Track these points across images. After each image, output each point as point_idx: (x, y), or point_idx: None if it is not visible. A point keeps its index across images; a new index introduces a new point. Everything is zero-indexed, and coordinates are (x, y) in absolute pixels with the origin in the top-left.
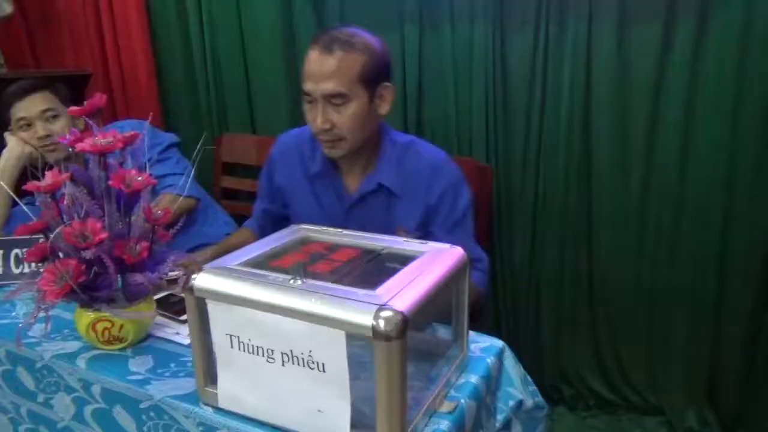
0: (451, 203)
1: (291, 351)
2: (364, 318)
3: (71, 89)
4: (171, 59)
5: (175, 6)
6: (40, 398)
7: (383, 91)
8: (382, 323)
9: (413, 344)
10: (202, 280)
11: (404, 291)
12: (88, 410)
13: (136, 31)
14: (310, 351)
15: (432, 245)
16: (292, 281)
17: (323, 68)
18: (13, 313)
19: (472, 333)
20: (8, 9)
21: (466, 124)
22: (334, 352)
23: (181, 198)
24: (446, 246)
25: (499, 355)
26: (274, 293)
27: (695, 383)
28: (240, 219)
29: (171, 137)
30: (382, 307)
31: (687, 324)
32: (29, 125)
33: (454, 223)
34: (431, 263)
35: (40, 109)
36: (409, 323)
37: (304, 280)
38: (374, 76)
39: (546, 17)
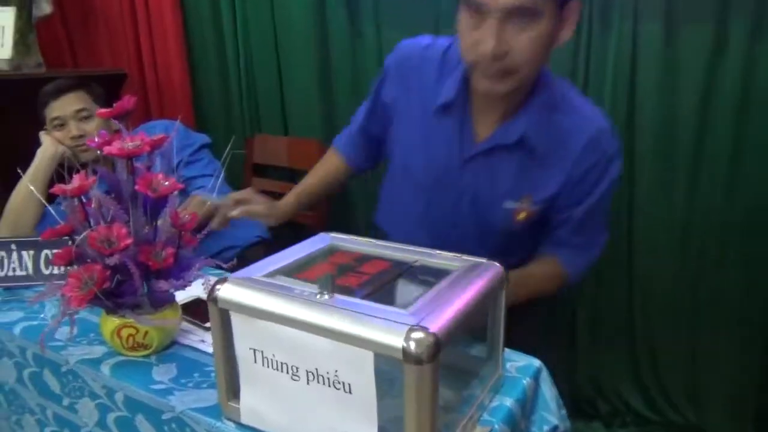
0: (593, 182)
1: (316, 369)
2: (394, 339)
3: (107, 89)
4: (205, 60)
5: (209, 6)
6: (65, 402)
7: (571, 11)
8: (413, 345)
9: (445, 363)
10: (226, 291)
11: (437, 310)
12: (110, 417)
13: (170, 31)
14: (336, 370)
15: (467, 259)
16: (319, 296)
17: None
18: (42, 315)
19: (507, 351)
20: (48, 9)
21: None
22: (362, 373)
23: (210, 200)
24: (483, 260)
25: (536, 376)
26: (299, 308)
27: (739, 403)
28: None
29: (203, 138)
30: (413, 328)
31: (733, 342)
32: (63, 125)
33: (586, 208)
34: (466, 279)
35: (74, 109)
36: (441, 346)
37: (332, 295)
38: None
39: (589, 16)
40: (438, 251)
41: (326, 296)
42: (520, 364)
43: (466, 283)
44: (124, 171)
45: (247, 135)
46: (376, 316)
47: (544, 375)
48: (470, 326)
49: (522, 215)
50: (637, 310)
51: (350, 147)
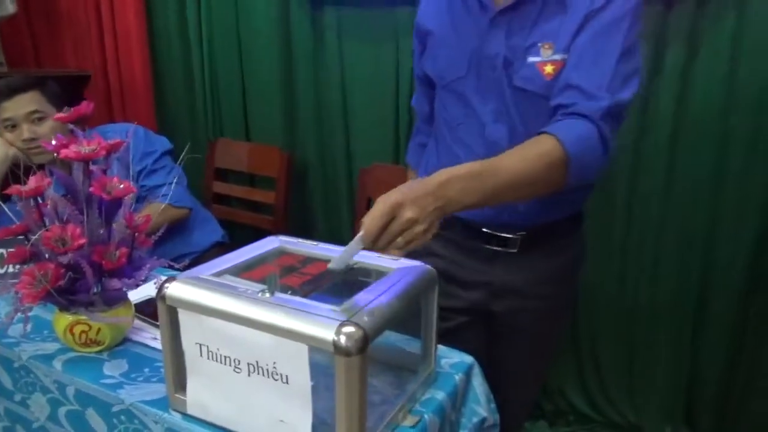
0: (607, 4)
1: (257, 362)
2: (326, 333)
3: (71, 90)
4: (169, 64)
5: (175, 11)
6: (17, 398)
7: None
8: (343, 339)
9: (381, 357)
10: (175, 289)
11: (367, 308)
12: (62, 411)
13: (134, 33)
14: (275, 363)
15: (402, 262)
16: (261, 294)
17: None
18: None
19: (443, 348)
20: (12, 9)
21: None
22: (297, 365)
23: (172, 207)
24: (416, 263)
25: (468, 372)
26: (243, 305)
27: (673, 402)
28: (230, 224)
29: (163, 144)
30: (344, 323)
31: (667, 344)
32: (15, 126)
33: (600, 26)
34: (399, 280)
35: (27, 111)
36: (370, 340)
37: (273, 294)
38: None
39: None
40: (377, 255)
41: (267, 294)
42: (453, 360)
43: (397, 283)
44: (80, 174)
45: (209, 138)
46: (311, 313)
47: (476, 371)
48: (404, 324)
49: (549, 68)
50: (581, 315)
51: (418, 151)
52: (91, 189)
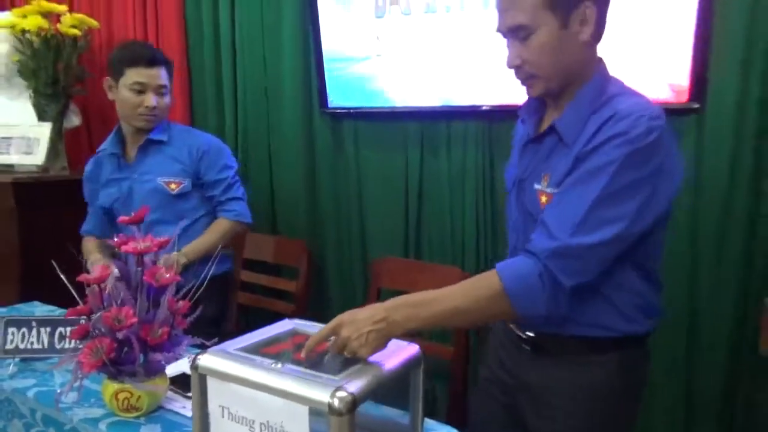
0: (596, 148)
1: (267, 421)
2: (322, 396)
3: None
4: None
5: (214, 125)
6: None
7: (583, 13)
8: (336, 401)
9: (376, 428)
10: (205, 360)
11: (358, 378)
12: None
13: None
14: (282, 422)
15: (396, 343)
16: (273, 365)
17: (505, 2)
18: (51, 383)
19: (432, 422)
20: (77, 122)
21: (459, 234)
22: (300, 423)
23: (240, 223)
24: (404, 343)
25: None
26: (258, 373)
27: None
28: (254, 309)
29: (235, 162)
30: (337, 389)
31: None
32: (142, 92)
33: (585, 169)
34: (388, 357)
35: (159, 83)
36: (358, 402)
37: (284, 365)
38: None
39: None
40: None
41: (279, 365)
42: None
43: (386, 360)
44: (134, 264)
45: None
46: (311, 380)
47: None
48: (396, 398)
49: (543, 198)
50: None
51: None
52: (144, 277)
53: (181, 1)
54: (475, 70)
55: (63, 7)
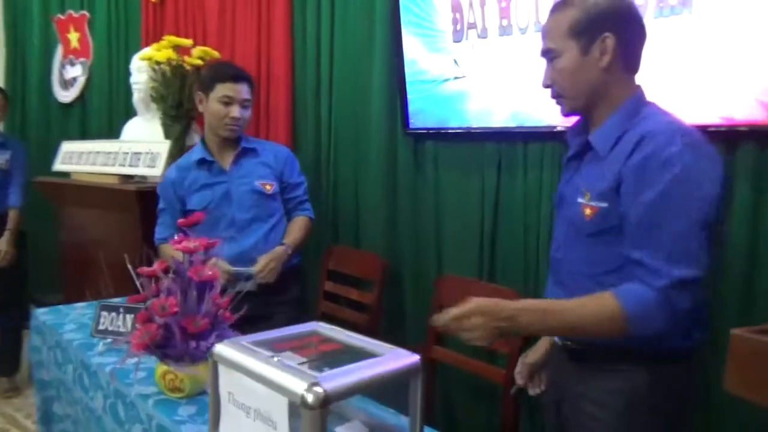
0: (647, 178)
1: (259, 409)
2: (299, 389)
3: None
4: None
5: (311, 150)
6: (126, 427)
7: (603, 43)
8: (309, 396)
9: (375, 426)
10: (219, 348)
11: (338, 377)
12: None
13: None
14: (269, 410)
15: (398, 351)
16: (271, 358)
17: (543, 29)
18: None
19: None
20: (197, 139)
21: (533, 255)
22: (281, 413)
23: (311, 220)
24: (405, 352)
25: None
26: (255, 364)
27: None
28: (333, 318)
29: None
30: (313, 384)
31: None
32: (229, 104)
33: (643, 208)
34: (381, 364)
35: (244, 97)
36: (331, 400)
37: (281, 359)
38: (586, 29)
39: None
40: (378, 342)
41: (276, 359)
42: None
43: (379, 365)
44: (186, 261)
45: (328, 245)
46: (296, 374)
47: None
48: (399, 402)
49: (588, 211)
50: None
51: None
52: (189, 273)
53: (290, 34)
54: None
55: (189, 41)
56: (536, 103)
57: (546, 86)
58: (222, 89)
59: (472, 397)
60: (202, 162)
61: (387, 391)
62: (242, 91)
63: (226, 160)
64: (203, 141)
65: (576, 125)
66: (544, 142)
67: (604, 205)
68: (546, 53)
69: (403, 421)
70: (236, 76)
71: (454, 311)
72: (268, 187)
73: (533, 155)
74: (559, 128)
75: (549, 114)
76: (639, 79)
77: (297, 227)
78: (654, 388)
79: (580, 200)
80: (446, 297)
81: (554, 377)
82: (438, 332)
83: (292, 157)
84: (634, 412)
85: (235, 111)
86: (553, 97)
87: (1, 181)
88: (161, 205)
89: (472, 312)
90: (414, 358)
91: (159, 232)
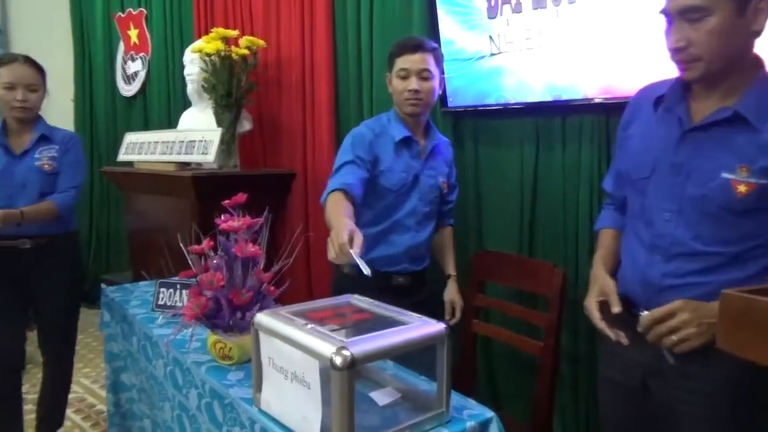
0: None
1: (295, 372)
2: (328, 352)
3: (282, 184)
4: None
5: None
6: (184, 391)
7: (758, 4)
8: (338, 359)
9: (400, 388)
10: (259, 318)
11: (366, 341)
12: (203, 402)
13: (326, 143)
14: (303, 373)
15: (424, 319)
16: (305, 325)
17: None
18: (183, 333)
19: (469, 401)
20: (248, 126)
21: (573, 230)
22: (313, 374)
23: None
24: (433, 321)
25: (483, 424)
26: (290, 330)
27: None
28: None
29: None
30: (341, 348)
31: None
32: (405, 78)
33: None
34: (408, 331)
35: (421, 68)
36: (357, 362)
37: (313, 326)
38: None
39: None
40: (410, 313)
41: (309, 326)
42: (473, 411)
43: (405, 333)
44: (233, 240)
45: None
46: (326, 339)
47: (494, 426)
48: (428, 370)
49: (743, 188)
50: None
51: (604, 217)
52: (233, 249)
53: (331, 20)
54: (586, 62)
55: (235, 32)
56: (573, 75)
57: (677, 48)
58: (399, 63)
59: (512, 370)
60: (406, 140)
61: (420, 360)
62: (419, 60)
63: (426, 148)
64: (397, 116)
65: (676, 90)
66: (582, 115)
67: (765, 181)
68: (689, 11)
69: (434, 387)
70: (413, 46)
71: (655, 312)
72: (444, 186)
73: (571, 129)
74: (596, 100)
75: (586, 86)
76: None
77: (450, 246)
78: (750, 376)
79: (728, 176)
80: (484, 272)
81: (636, 357)
82: (478, 307)
83: (452, 155)
84: (740, 405)
85: (413, 83)
86: (681, 60)
87: (44, 185)
88: (347, 157)
89: (677, 309)
90: (440, 326)
91: (337, 178)
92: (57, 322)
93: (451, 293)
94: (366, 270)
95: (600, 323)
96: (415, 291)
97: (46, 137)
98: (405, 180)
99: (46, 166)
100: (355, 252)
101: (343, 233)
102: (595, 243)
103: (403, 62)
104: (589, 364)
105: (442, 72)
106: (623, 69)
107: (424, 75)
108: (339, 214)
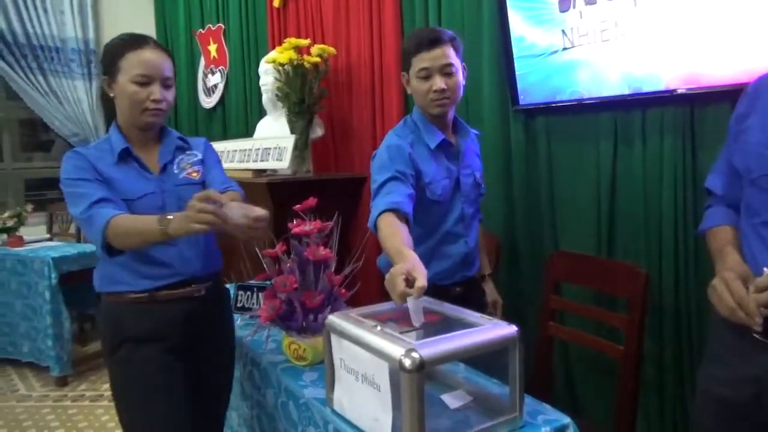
0: None
1: (365, 373)
2: (397, 354)
3: (353, 188)
4: None
5: None
6: (261, 390)
7: None
8: (407, 361)
9: (471, 391)
10: (331, 320)
11: (435, 344)
12: (279, 401)
13: None
14: (373, 375)
15: (496, 322)
16: (375, 328)
17: None
18: (259, 333)
19: (545, 406)
20: (320, 132)
21: (655, 231)
22: (383, 376)
23: None
24: (504, 324)
25: (561, 431)
26: (361, 332)
27: None
28: None
29: None
30: (410, 350)
31: None
32: (428, 77)
33: None
34: (478, 333)
35: (442, 63)
36: (426, 364)
37: (384, 328)
38: None
39: None
40: (481, 315)
41: (379, 328)
42: (549, 417)
43: (476, 336)
44: (303, 243)
45: None
46: (396, 341)
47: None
48: (500, 373)
49: None
50: None
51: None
52: (305, 253)
53: (400, 22)
54: (667, 52)
55: (306, 41)
56: (653, 66)
57: None
58: (417, 62)
59: (591, 374)
60: (444, 143)
61: (492, 363)
62: (439, 56)
63: (460, 145)
64: (423, 120)
65: None
66: (664, 108)
67: None
68: None
69: (506, 390)
70: (430, 40)
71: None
72: (480, 180)
73: (652, 122)
74: (680, 91)
75: (667, 77)
76: None
77: (483, 243)
78: None
79: None
80: (560, 273)
81: (751, 370)
82: (553, 309)
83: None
84: None
85: (438, 82)
86: None
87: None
88: (388, 173)
89: None
90: (511, 329)
91: (384, 198)
92: (218, 406)
93: (492, 293)
94: (417, 323)
95: (732, 303)
96: (474, 299)
97: (183, 142)
98: (448, 187)
99: (194, 174)
100: (412, 303)
101: (400, 282)
102: (680, 247)
103: (422, 61)
104: (675, 372)
105: (462, 61)
106: (709, 57)
107: (447, 70)
108: (398, 244)
